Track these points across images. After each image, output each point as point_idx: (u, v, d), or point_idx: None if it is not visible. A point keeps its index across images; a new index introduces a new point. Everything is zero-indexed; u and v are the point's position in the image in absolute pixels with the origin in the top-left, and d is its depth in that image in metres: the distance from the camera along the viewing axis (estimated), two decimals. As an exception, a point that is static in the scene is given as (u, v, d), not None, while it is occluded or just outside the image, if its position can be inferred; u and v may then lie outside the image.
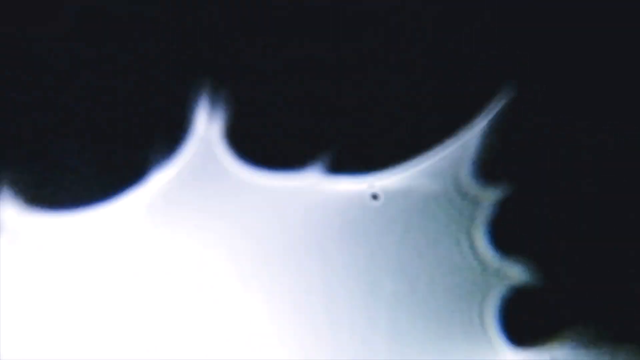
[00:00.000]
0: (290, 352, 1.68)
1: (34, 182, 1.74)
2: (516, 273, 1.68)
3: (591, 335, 1.67)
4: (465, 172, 1.72)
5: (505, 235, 1.70)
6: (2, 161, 1.74)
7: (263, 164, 1.75)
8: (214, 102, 1.76)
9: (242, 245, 1.71)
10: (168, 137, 1.76)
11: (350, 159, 1.76)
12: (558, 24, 2.06)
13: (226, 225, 1.72)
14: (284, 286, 1.71)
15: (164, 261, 1.72)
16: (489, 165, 1.74)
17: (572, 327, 1.68)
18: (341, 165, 1.74)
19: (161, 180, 1.73)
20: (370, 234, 1.70)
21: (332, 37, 1.84)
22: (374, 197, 1.71)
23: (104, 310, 1.72)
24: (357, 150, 1.77)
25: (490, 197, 1.72)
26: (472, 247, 1.68)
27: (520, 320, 1.68)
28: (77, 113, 1.81)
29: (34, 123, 1.80)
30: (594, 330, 1.68)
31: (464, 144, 1.74)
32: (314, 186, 1.72)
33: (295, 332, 1.69)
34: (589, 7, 2.04)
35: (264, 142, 1.76)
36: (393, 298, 1.65)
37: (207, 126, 1.74)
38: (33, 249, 1.71)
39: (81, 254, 1.70)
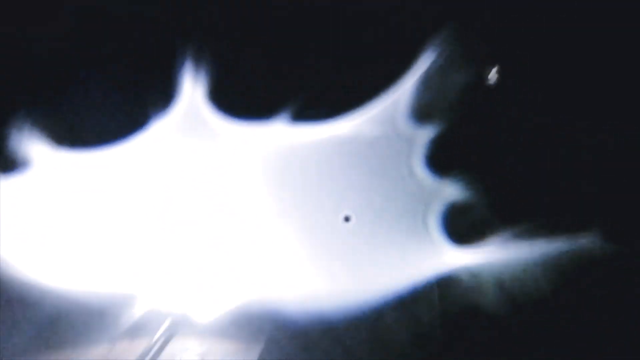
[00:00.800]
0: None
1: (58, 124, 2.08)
2: (452, 190, 2.09)
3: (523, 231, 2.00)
4: (402, 117, 2.13)
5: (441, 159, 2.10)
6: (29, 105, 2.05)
7: (239, 115, 2.14)
8: (197, 64, 2.12)
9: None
10: (164, 92, 2.11)
11: (311, 110, 2.12)
12: (558, 24, 2.06)
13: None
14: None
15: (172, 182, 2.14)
16: (423, 110, 2.10)
17: (505, 226, 2.02)
18: (303, 114, 2.13)
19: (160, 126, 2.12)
20: (331, 166, 2.16)
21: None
22: (347, 219, 2.12)
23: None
24: (316, 103, 2.13)
25: (423, 135, 2.11)
26: (412, 174, 2.13)
27: (460, 226, 2.07)
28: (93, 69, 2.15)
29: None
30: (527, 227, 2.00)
31: (400, 94, 2.11)
32: (282, 130, 2.14)
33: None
34: (589, 7, 2.04)
35: (239, 97, 2.15)
36: (356, 210, 2.12)
37: (192, 85, 2.12)
38: (59, 183, 2.07)
39: (99, 185, 2.09)
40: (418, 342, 1.88)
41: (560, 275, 1.93)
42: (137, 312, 1.93)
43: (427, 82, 2.07)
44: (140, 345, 1.85)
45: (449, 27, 2.04)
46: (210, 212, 2.11)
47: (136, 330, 1.89)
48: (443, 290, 1.97)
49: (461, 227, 2.06)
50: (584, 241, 1.96)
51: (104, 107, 2.12)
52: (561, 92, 2.08)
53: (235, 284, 2.04)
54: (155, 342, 1.86)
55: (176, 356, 1.84)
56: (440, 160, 2.09)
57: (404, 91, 2.10)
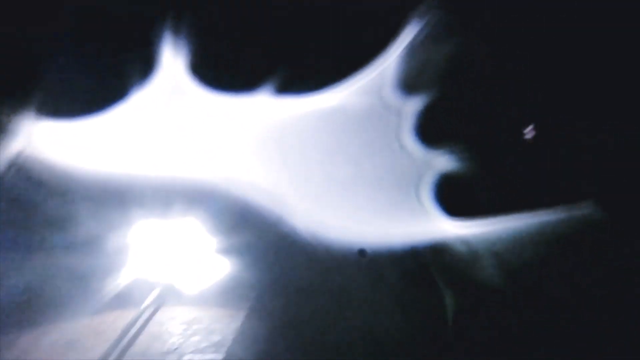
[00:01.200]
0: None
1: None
2: (443, 162, 2.13)
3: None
4: (389, 88, 2.17)
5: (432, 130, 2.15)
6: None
7: (222, 87, 2.18)
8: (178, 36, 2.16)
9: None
10: (145, 64, 2.15)
11: (296, 82, 2.16)
12: (558, 24, 2.06)
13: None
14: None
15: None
16: (410, 81, 2.13)
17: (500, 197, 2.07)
18: (288, 86, 2.16)
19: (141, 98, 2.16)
20: (320, 139, 2.20)
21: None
22: (362, 254, 2.11)
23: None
24: (301, 75, 2.16)
25: (411, 107, 2.15)
26: (401, 146, 2.17)
27: (454, 198, 2.12)
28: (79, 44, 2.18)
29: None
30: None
31: (386, 66, 2.14)
32: (265, 104, 2.17)
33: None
34: (589, 7, 2.04)
35: (221, 69, 2.18)
36: (349, 180, 2.17)
37: (174, 56, 2.15)
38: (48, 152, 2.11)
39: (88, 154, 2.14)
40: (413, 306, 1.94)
41: (554, 245, 1.97)
42: (124, 281, 1.98)
43: (414, 52, 2.11)
44: (127, 315, 1.89)
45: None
46: (194, 181, 2.15)
47: (124, 300, 1.93)
48: (437, 259, 2.03)
49: (454, 197, 2.11)
50: (578, 211, 1.99)
51: (86, 79, 2.15)
52: (561, 92, 2.08)
53: (220, 253, 2.09)
54: (143, 312, 1.91)
55: (164, 325, 1.88)
56: (431, 131, 2.14)
57: (391, 62, 2.13)
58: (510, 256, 1.97)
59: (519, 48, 2.08)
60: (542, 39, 2.07)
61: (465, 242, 2.01)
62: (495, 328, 1.90)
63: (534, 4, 2.06)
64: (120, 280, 1.98)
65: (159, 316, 1.92)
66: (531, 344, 1.86)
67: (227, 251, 2.09)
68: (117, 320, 1.87)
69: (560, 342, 1.87)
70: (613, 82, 2.06)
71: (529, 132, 2.01)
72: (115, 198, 2.08)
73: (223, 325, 1.88)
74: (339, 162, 2.15)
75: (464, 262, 1.99)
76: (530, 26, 2.07)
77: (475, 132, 2.10)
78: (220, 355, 1.79)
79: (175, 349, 1.81)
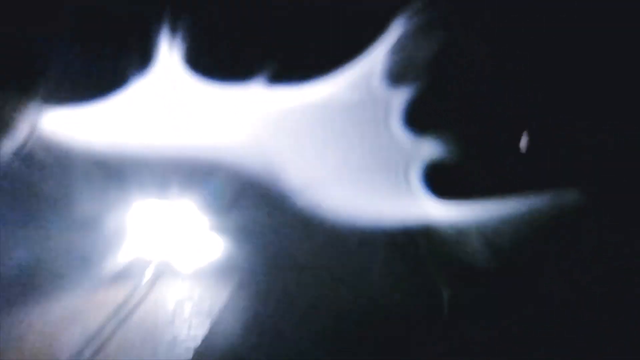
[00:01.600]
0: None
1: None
2: (432, 149, 2.12)
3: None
4: (377, 82, 2.15)
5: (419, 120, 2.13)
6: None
7: (215, 77, 2.17)
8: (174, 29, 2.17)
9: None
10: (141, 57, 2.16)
11: (288, 73, 2.15)
12: (558, 24, 2.06)
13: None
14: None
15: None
16: (398, 73, 2.12)
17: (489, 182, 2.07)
18: (280, 77, 2.15)
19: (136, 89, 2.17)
20: (311, 126, 2.18)
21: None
22: None
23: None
24: (293, 66, 2.16)
25: (399, 97, 2.13)
26: (390, 134, 2.15)
27: (443, 182, 2.10)
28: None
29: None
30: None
31: (374, 58, 2.13)
32: (259, 93, 2.16)
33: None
34: (589, 7, 2.04)
35: (213, 60, 2.17)
36: (337, 168, 2.17)
37: (169, 48, 2.16)
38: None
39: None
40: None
41: (545, 230, 1.98)
42: (122, 259, 2.03)
43: (402, 44, 2.11)
44: (125, 290, 1.95)
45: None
46: (190, 165, 2.17)
47: (122, 276, 1.99)
48: (426, 243, 2.05)
49: (443, 181, 2.10)
50: (568, 196, 2.00)
51: (86, 72, 2.17)
52: (561, 92, 2.08)
53: (215, 232, 2.12)
54: (140, 287, 1.97)
55: (159, 300, 1.95)
56: (419, 120, 2.12)
57: (378, 54, 2.13)
58: (500, 239, 2.00)
59: (517, 47, 2.09)
60: (542, 38, 2.08)
61: (454, 224, 2.04)
62: (484, 315, 1.93)
63: (534, 3, 2.06)
64: (119, 257, 2.03)
65: (154, 292, 1.98)
66: (521, 335, 1.88)
67: (222, 230, 2.13)
68: (116, 295, 1.93)
69: (553, 336, 1.88)
70: (613, 82, 2.06)
71: (523, 140, 2.01)
72: (115, 180, 2.12)
73: (214, 301, 1.94)
74: (331, 148, 2.19)
75: (452, 244, 2.02)
76: (530, 26, 2.08)
77: (466, 123, 2.12)
78: (210, 329, 1.85)
79: (170, 321, 1.88)
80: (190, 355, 1.84)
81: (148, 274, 2.02)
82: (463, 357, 1.91)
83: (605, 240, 1.97)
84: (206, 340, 1.88)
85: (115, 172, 2.12)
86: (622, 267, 1.93)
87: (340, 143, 2.18)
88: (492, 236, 2.00)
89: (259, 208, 2.13)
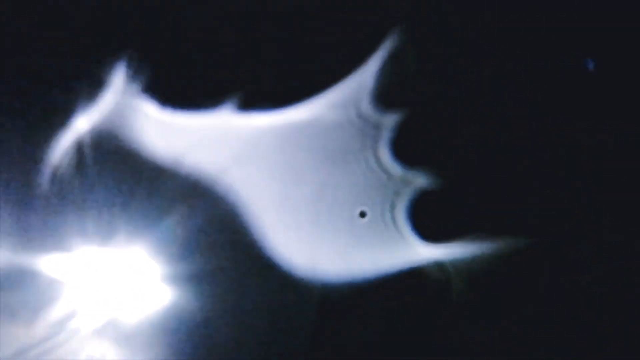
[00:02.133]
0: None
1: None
2: (420, 181, 2.00)
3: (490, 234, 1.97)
4: (366, 101, 2.02)
5: (408, 148, 2.00)
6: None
7: (180, 106, 2.01)
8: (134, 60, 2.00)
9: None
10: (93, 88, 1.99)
11: (259, 99, 2.00)
12: (558, 24, 2.06)
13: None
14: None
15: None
16: (386, 94, 2.00)
17: (474, 227, 1.97)
18: (251, 103, 2.00)
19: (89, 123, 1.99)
20: (285, 156, 2.01)
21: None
22: (362, 214, 2.00)
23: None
24: (265, 90, 2.01)
25: (389, 121, 2.01)
26: (378, 162, 2.01)
27: (430, 221, 1.99)
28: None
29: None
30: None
31: (362, 78, 2.01)
32: (227, 122, 2.00)
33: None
34: (589, 7, 2.04)
35: (180, 86, 2.01)
36: (312, 199, 2.00)
37: (128, 79, 1.99)
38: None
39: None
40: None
41: (529, 271, 1.95)
42: (56, 316, 1.90)
43: (392, 65, 2.01)
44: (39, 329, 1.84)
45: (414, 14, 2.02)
46: (140, 205, 2.00)
47: (56, 334, 1.86)
48: (413, 283, 1.96)
49: (431, 220, 2.01)
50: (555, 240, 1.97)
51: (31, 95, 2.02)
52: (561, 92, 2.08)
53: (165, 282, 1.97)
54: (72, 344, 1.86)
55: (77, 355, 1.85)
56: (409, 149, 2.03)
57: (367, 75, 2.02)
58: (485, 279, 1.96)
59: (517, 47, 2.08)
60: (542, 38, 2.07)
61: (440, 265, 1.96)
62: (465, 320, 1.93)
63: (534, 4, 2.06)
64: (53, 314, 1.90)
65: (71, 344, 1.87)
66: (521, 335, 1.88)
67: (174, 279, 1.98)
68: (31, 335, 1.83)
69: (553, 336, 1.87)
70: (613, 82, 2.06)
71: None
72: (50, 222, 1.96)
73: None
74: (308, 179, 2.02)
75: (438, 286, 1.96)
76: (530, 26, 2.07)
77: (459, 149, 2.05)
78: None
79: None
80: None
81: (85, 331, 1.88)
82: (463, 357, 1.91)
83: (605, 240, 1.96)
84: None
85: (54, 213, 1.95)
86: (622, 267, 1.93)
87: (321, 170, 2.03)
88: (478, 277, 1.95)
89: (217, 252, 1.97)
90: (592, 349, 1.85)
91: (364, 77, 2.01)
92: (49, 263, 1.92)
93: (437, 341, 1.92)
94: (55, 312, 1.89)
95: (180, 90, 2.01)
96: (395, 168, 2.01)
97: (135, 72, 1.99)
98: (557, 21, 2.05)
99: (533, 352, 1.88)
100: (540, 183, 2.03)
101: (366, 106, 2.02)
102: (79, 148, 1.97)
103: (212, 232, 1.96)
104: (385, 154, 2.02)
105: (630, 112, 2.04)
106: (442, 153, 2.02)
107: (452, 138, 2.04)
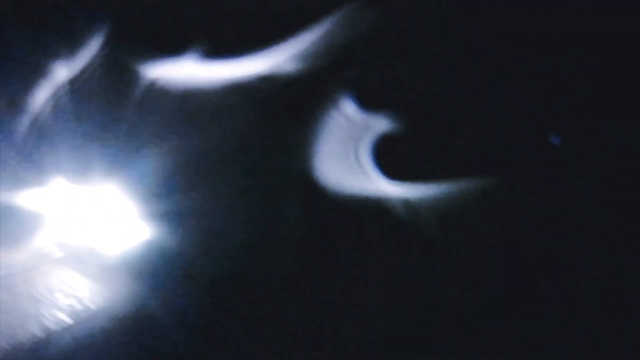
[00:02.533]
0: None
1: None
2: (381, 124, 2.03)
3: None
4: (325, 55, 2.02)
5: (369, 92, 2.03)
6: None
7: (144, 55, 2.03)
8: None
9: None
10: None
11: (223, 48, 2.02)
12: (558, 24, 2.06)
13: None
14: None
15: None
16: (346, 50, 2.01)
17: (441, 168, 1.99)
18: (215, 52, 2.02)
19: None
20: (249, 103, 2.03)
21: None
22: None
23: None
24: (228, 40, 2.02)
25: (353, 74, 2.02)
26: (339, 109, 2.05)
27: (397, 162, 2.02)
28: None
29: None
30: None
31: (325, 31, 2.00)
32: (191, 72, 2.02)
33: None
34: (589, 7, 2.04)
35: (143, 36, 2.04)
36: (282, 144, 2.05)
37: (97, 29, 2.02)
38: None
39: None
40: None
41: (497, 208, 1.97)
42: (34, 247, 1.98)
43: (350, 20, 2.01)
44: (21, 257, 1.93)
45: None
46: (114, 148, 2.08)
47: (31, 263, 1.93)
48: (378, 217, 1.99)
49: (395, 160, 2.03)
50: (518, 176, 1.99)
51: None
52: (561, 92, 2.08)
53: (141, 219, 2.03)
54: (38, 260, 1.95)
55: (54, 289, 1.90)
56: (370, 95, 2.04)
57: (324, 28, 2.02)
58: (451, 217, 1.97)
59: (517, 47, 2.08)
60: (542, 38, 2.07)
61: (405, 203, 1.98)
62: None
63: (534, 4, 2.06)
64: (30, 245, 1.98)
65: (47, 269, 1.95)
66: (521, 335, 1.88)
67: (149, 217, 2.05)
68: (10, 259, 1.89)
69: (553, 336, 1.87)
70: (613, 82, 2.06)
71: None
72: (32, 163, 2.04)
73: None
74: (274, 123, 2.08)
75: (404, 222, 1.98)
76: (530, 26, 2.07)
77: (459, 149, 2.07)
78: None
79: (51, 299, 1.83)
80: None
81: (57, 262, 1.95)
82: (463, 357, 1.92)
83: (605, 240, 1.96)
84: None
85: (33, 154, 2.03)
86: (622, 267, 1.93)
87: (284, 119, 2.07)
88: (442, 212, 1.96)
89: (192, 191, 2.03)
90: (592, 349, 1.85)
91: (325, 30, 2.01)
92: (30, 197, 2.01)
93: (437, 341, 1.93)
94: (32, 242, 1.98)
95: (151, 40, 2.04)
96: (356, 115, 2.05)
97: (110, 26, 2.02)
98: (557, 21, 2.05)
99: (533, 352, 1.88)
100: (540, 183, 2.03)
101: (327, 59, 2.04)
102: (58, 92, 2.04)
103: (187, 173, 2.02)
104: (346, 103, 2.06)
105: (630, 112, 2.04)
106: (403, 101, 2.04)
107: (452, 138, 2.06)
